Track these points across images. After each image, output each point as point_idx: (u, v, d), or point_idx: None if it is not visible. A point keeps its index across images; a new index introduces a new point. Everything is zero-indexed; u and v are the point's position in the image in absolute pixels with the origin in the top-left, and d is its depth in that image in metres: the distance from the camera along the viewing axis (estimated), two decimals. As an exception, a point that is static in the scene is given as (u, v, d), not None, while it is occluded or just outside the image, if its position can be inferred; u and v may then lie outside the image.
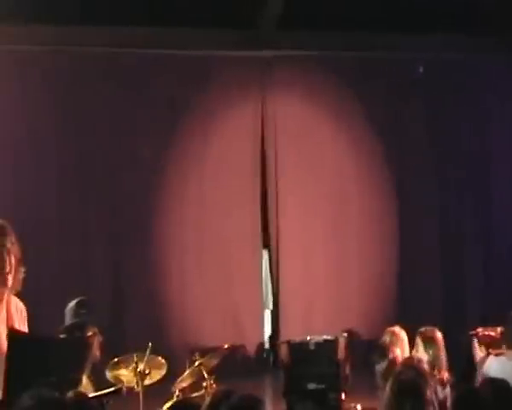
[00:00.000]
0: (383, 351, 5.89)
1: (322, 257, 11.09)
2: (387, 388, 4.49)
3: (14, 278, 4.63)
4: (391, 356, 6.08)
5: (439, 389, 5.72)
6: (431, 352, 6.19)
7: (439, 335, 6.39)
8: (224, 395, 3.96)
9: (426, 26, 10.59)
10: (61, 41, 10.22)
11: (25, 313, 4.79)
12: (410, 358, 5.48)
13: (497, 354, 6.35)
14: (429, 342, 6.29)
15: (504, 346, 6.20)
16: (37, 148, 10.34)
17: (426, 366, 5.18)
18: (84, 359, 4.67)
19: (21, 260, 4.68)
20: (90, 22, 9.97)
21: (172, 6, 9.89)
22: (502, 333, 6.70)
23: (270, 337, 11.32)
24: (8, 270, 4.56)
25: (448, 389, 5.93)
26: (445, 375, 6.08)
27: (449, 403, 5.32)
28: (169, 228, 10.70)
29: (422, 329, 6.43)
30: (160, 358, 6.56)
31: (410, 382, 4.41)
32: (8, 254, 4.57)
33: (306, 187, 11.11)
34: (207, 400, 4.13)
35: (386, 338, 6.31)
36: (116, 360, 6.41)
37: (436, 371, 5.95)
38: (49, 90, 10.35)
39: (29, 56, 10.25)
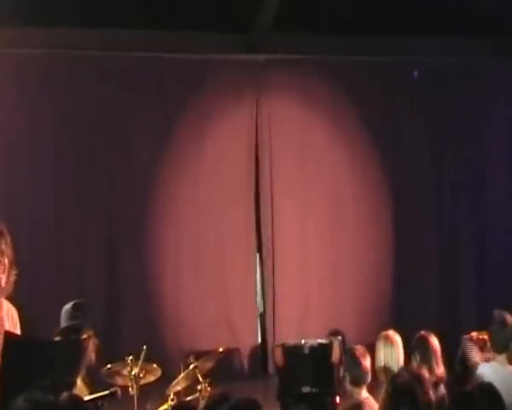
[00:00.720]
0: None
1: (317, 260, 11.07)
2: (383, 390, 4.51)
3: (6, 281, 4.61)
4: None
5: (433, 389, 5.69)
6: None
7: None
8: (219, 399, 3.97)
9: (422, 29, 10.59)
10: (58, 44, 10.19)
11: (16, 317, 4.76)
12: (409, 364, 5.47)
13: (486, 359, 6.33)
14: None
15: (492, 350, 6.14)
16: (34, 150, 10.30)
17: (425, 373, 5.17)
18: (79, 361, 4.66)
19: (13, 263, 4.67)
20: (88, 25, 9.95)
21: (169, 9, 9.89)
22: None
23: (265, 341, 11.30)
24: (1, 271, 4.56)
25: (442, 389, 5.90)
26: (439, 375, 6.04)
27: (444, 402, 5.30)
28: (164, 230, 10.67)
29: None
30: (154, 365, 6.56)
31: (405, 385, 4.43)
32: (2, 255, 4.57)
33: (301, 190, 11.10)
34: (202, 403, 4.14)
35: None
36: (109, 366, 6.41)
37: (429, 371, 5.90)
38: (46, 92, 10.31)
39: (27, 59, 10.20)
